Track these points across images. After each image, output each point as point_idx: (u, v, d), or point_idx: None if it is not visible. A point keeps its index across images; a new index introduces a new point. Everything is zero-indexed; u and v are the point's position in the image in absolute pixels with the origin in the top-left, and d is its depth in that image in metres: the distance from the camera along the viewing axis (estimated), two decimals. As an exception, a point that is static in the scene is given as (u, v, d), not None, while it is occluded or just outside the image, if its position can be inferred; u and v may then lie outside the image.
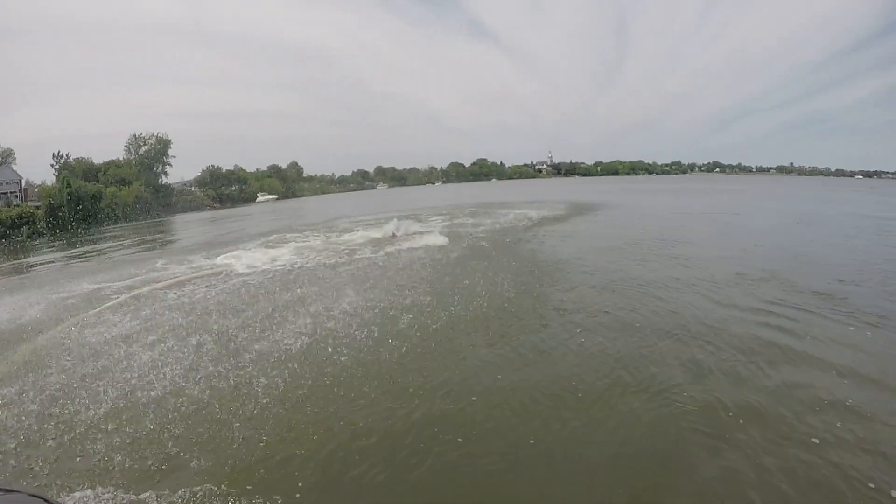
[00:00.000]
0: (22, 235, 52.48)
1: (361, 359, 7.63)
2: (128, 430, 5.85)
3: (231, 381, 7.06)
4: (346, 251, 18.62)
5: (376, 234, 22.99)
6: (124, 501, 4.60)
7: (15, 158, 76.08)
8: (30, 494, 1.18)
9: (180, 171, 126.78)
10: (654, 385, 6.39)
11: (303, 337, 8.61)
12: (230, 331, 9.33)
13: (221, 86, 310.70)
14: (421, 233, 22.21)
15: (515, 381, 6.74)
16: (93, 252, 27.85)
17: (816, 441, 4.97)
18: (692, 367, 6.88)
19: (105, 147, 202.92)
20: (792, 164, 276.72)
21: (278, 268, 15.91)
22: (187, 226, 46.47)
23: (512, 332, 8.58)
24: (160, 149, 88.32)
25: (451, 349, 7.95)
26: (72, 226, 55.81)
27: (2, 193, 64.23)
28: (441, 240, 19.98)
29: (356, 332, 8.70)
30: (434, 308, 9.95)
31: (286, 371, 7.26)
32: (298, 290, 12.08)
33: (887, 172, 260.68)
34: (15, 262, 27.73)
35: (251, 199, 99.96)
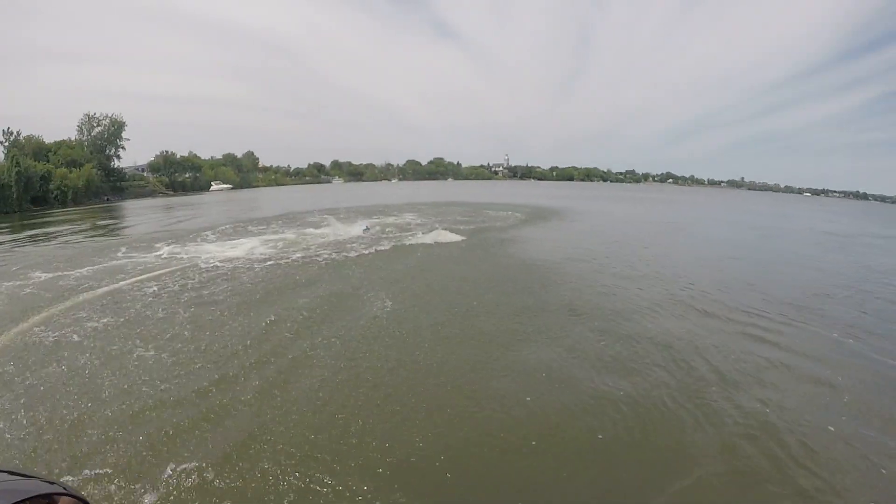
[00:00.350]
0: None
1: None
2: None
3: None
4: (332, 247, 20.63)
5: (348, 229, 24.91)
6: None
7: (-39, 133, 73.73)
8: (46, 481, 1.12)
9: (133, 155, 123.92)
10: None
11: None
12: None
13: (177, 70, 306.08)
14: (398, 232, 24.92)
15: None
16: (44, 236, 27.72)
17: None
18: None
19: (56, 126, 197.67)
20: (743, 178, 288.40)
21: (257, 260, 17.62)
22: (142, 212, 46.32)
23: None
24: (114, 131, 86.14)
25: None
26: (20, 206, 55.07)
27: (-57, 169, 61.43)
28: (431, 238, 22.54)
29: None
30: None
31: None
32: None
33: (833, 191, 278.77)
34: None
35: (205, 187, 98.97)
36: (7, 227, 36.33)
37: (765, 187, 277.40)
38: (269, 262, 17.01)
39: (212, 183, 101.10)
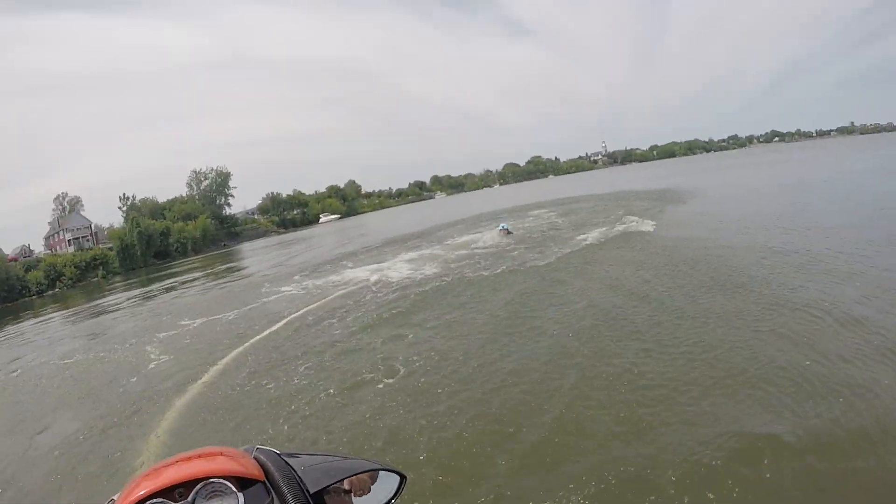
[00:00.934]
0: (97, 276, 53.85)
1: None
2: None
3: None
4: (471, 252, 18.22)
5: (486, 235, 22.16)
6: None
7: (83, 205, 77.88)
8: (367, 461, 1.30)
9: (242, 200, 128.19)
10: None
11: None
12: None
13: (269, 112, 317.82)
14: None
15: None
16: (179, 285, 27.02)
17: None
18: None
19: (167, 185, 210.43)
20: (853, 123, 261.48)
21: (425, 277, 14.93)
22: (261, 252, 44.36)
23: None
24: (221, 181, 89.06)
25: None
26: (145, 262, 56.43)
27: (74, 239, 65.14)
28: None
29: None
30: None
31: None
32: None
33: None
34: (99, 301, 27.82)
35: (314, 220, 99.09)
36: (137, 282, 36.22)
37: (878, 129, 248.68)
38: (445, 277, 13.60)
39: (320, 216, 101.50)
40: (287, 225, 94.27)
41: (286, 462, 1.07)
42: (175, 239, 66.85)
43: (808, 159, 51.71)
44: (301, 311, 12.45)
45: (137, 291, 27.96)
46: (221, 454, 1.01)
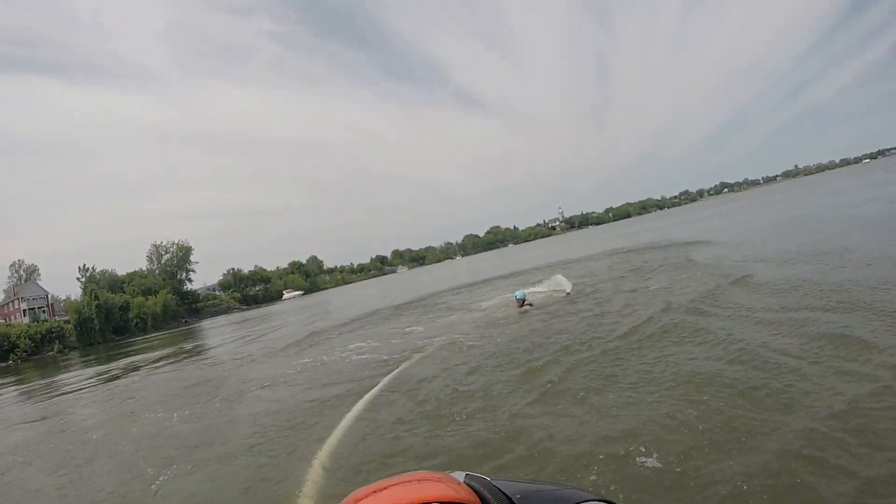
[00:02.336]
0: (53, 350, 51.49)
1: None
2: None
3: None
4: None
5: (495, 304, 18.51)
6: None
7: (40, 274, 75.79)
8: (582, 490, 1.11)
9: (203, 275, 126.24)
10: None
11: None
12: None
13: (231, 187, 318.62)
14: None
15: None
16: (145, 363, 24.78)
17: None
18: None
19: (126, 257, 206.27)
20: (796, 166, 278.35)
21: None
22: (230, 329, 41.50)
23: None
24: (182, 256, 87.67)
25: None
26: (103, 337, 54.33)
27: (30, 309, 62.98)
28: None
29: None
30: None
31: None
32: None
33: (891, 149, 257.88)
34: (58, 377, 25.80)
35: (276, 297, 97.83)
36: (95, 359, 34.65)
37: (820, 168, 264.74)
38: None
39: (283, 292, 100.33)
40: (249, 301, 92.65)
41: (500, 490, 1.03)
42: (135, 314, 65.04)
43: (772, 201, 52.96)
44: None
45: (95, 370, 26.37)
46: (439, 480, 0.97)
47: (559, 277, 18.29)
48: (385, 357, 11.86)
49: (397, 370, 9.98)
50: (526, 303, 16.08)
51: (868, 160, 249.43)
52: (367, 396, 8.35)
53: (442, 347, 11.62)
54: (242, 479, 6.03)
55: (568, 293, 16.51)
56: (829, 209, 26.39)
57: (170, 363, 22.68)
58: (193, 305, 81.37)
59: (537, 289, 18.94)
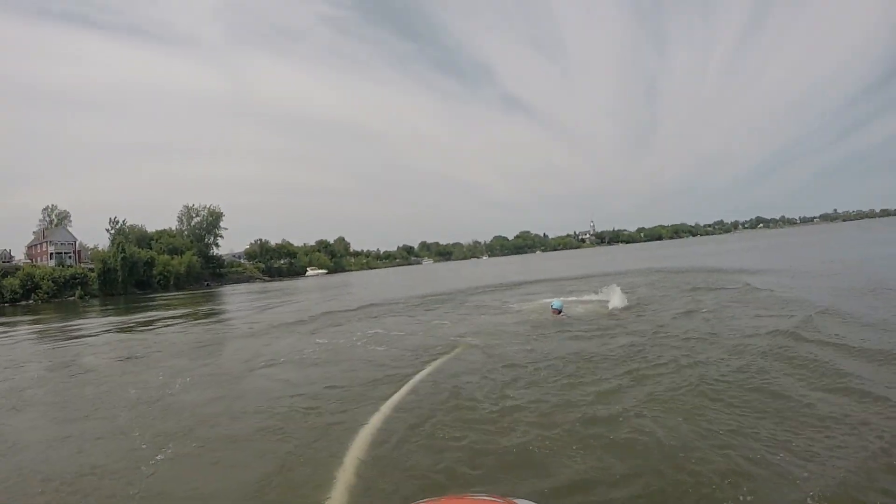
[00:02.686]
0: (74, 295, 52.18)
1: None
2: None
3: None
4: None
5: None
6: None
7: (71, 221, 75.89)
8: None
9: (230, 242, 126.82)
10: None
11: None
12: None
13: (270, 162, 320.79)
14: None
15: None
16: (173, 322, 23.44)
17: None
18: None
19: (157, 217, 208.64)
20: (836, 210, 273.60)
21: None
22: (253, 298, 40.03)
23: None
24: (212, 220, 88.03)
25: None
26: (125, 289, 54.58)
27: (56, 253, 63.38)
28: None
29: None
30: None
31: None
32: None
33: None
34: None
35: (300, 272, 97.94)
36: (113, 309, 34.48)
37: (860, 215, 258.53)
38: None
39: (308, 268, 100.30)
40: (273, 273, 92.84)
41: None
42: (159, 271, 65.25)
43: (816, 242, 51.24)
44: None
45: (112, 319, 25.99)
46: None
47: (615, 288, 16.69)
48: (413, 350, 10.80)
49: (430, 368, 8.89)
50: (562, 313, 15.03)
51: None
52: (402, 391, 7.44)
53: (477, 348, 10.49)
54: (255, 472, 4.95)
55: (616, 308, 14.99)
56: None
57: (185, 323, 21.87)
58: (217, 270, 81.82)
59: (582, 298, 18.09)
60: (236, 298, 39.57)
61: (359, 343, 12.33)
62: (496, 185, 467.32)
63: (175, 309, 30.77)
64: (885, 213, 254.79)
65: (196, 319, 23.24)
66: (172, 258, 69.98)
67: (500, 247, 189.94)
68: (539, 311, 16.38)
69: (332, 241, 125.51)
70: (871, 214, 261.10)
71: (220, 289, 64.39)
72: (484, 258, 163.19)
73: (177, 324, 21.85)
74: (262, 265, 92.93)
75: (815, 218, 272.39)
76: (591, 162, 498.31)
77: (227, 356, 12.63)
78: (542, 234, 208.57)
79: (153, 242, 74.48)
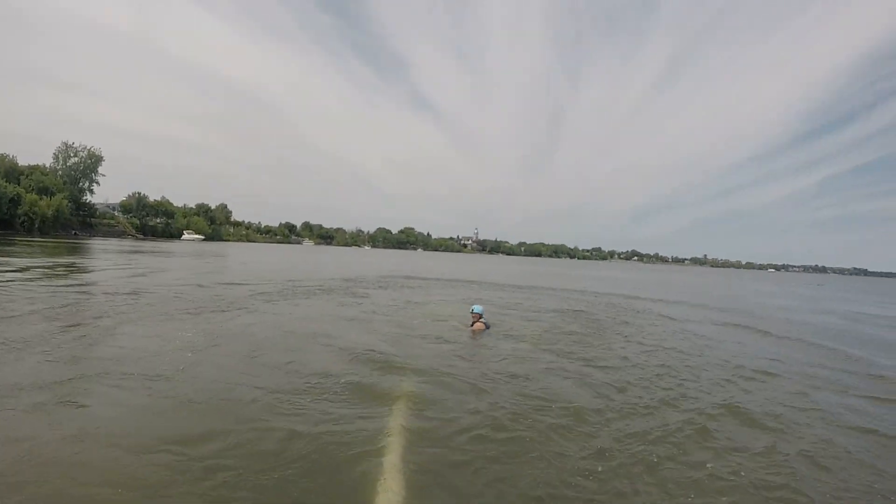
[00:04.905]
0: None
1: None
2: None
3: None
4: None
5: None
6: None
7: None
8: None
9: (105, 192, 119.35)
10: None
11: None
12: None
13: (155, 110, 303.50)
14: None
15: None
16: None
17: None
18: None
19: (31, 151, 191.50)
20: (706, 255, 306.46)
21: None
22: (125, 257, 36.17)
23: None
24: (91, 164, 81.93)
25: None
26: None
27: None
28: None
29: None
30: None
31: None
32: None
33: (794, 266, 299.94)
34: None
35: (176, 235, 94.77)
36: None
37: (727, 264, 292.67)
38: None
39: (184, 231, 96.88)
40: (147, 232, 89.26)
41: None
42: (24, 210, 61.21)
43: (692, 282, 58.16)
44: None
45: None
46: None
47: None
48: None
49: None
50: (482, 320, 13.84)
51: (773, 269, 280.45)
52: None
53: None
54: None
55: (486, 326, 13.89)
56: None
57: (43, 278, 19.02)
58: (88, 219, 77.32)
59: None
60: (103, 257, 35.72)
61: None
62: (389, 178, 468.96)
63: (36, 258, 29.30)
64: (750, 266, 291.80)
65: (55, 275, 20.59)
66: (41, 199, 65.56)
67: (383, 239, 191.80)
68: (448, 316, 15.76)
69: (213, 207, 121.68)
70: (736, 265, 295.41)
71: (89, 241, 60.67)
72: (366, 248, 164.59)
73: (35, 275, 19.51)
74: (136, 221, 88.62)
75: (686, 259, 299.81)
76: (485, 173, 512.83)
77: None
78: (425, 233, 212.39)
79: (23, 178, 69.00)
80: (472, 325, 13.68)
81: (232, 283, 21.20)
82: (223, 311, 14.10)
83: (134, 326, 11.02)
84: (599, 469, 5.35)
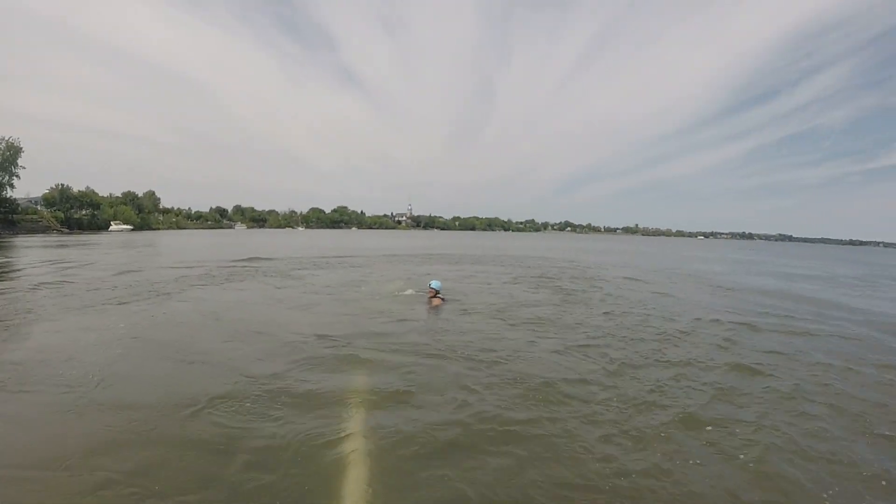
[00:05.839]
0: None
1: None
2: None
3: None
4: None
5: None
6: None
7: None
8: None
9: (26, 186, 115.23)
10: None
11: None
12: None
13: (74, 95, 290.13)
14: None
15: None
16: None
17: None
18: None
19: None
20: (637, 224, 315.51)
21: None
22: (49, 252, 34.08)
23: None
24: (9, 156, 78.70)
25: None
26: None
27: None
28: None
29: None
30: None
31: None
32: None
33: (722, 233, 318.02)
34: None
35: (103, 227, 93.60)
36: None
37: (657, 232, 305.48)
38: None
39: (112, 223, 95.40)
40: (72, 225, 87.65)
41: None
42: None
43: (628, 250, 63.68)
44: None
45: None
46: None
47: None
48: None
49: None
50: (439, 295, 14.15)
51: (702, 237, 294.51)
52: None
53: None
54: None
55: (443, 299, 14.26)
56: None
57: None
58: (10, 216, 75.52)
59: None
60: (25, 254, 33.36)
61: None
62: (319, 156, 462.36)
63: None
64: (680, 234, 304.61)
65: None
66: (-45, 197, 63.06)
67: (317, 219, 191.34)
68: (397, 293, 15.83)
69: (140, 195, 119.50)
70: (667, 233, 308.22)
71: (13, 239, 58.70)
72: (300, 229, 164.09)
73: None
74: (60, 214, 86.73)
75: (618, 229, 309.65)
76: (416, 148, 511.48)
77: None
78: (359, 211, 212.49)
79: (-66, 177, 66.07)
80: (429, 301, 13.83)
81: (161, 271, 21.31)
82: (150, 300, 13.91)
83: (51, 323, 10.96)
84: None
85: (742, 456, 5.62)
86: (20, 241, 56.55)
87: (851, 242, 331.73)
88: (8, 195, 78.89)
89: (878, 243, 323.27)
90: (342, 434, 5.70)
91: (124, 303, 13.39)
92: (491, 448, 5.59)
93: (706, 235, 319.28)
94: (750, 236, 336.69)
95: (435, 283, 14.45)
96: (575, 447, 5.68)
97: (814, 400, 7.50)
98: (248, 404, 6.48)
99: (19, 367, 7.76)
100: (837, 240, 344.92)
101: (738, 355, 9.86)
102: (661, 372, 8.51)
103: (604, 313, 13.83)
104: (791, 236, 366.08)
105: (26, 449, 5.28)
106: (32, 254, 33.01)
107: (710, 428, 6.35)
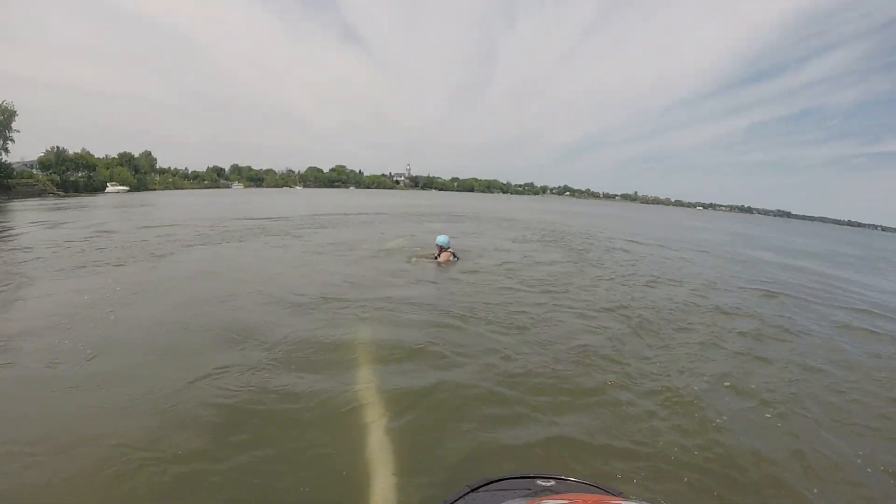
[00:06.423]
0: None
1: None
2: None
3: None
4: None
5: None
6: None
7: None
8: (583, 482, 1.07)
9: (20, 149, 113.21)
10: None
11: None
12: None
13: (70, 55, 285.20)
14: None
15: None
16: None
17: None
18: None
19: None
20: (636, 192, 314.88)
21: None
22: (49, 214, 32.34)
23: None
24: (3, 120, 76.25)
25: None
26: None
27: None
28: None
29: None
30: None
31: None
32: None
33: (721, 205, 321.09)
34: None
35: (100, 188, 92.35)
36: None
37: (657, 201, 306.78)
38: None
39: (108, 184, 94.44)
40: (68, 188, 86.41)
41: None
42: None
43: (632, 218, 62.97)
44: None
45: None
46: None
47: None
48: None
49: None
50: (448, 249, 13.45)
51: (701, 207, 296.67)
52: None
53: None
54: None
55: (455, 256, 13.84)
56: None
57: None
58: (6, 181, 74.29)
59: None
60: (21, 217, 31.83)
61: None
62: (318, 115, 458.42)
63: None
64: (678, 204, 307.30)
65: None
66: (-51, 163, 61.83)
67: (315, 178, 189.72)
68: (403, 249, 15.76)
69: (136, 155, 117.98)
70: (666, 202, 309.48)
71: (9, 204, 57.53)
72: (298, 188, 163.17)
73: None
74: (56, 177, 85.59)
75: (616, 196, 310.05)
76: (416, 108, 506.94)
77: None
78: (357, 171, 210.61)
79: (-74, 143, 64.51)
80: (437, 257, 13.36)
81: (156, 230, 20.86)
82: (147, 261, 13.41)
83: (45, 284, 10.60)
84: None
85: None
86: (15, 205, 55.67)
87: (850, 223, 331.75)
88: (3, 160, 77.15)
89: (877, 227, 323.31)
90: (361, 393, 5.53)
91: (120, 264, 12.86)
92: (520, 409, 5.41)
93: (705, 206, 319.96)
94: (749, 210, 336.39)
95: (441, 239, 13.78)
96: (612, 410, 5.56)
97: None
98: (257, 368, 6.17)
99: (6, 336, 7.32)
100: (836, 220, 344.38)
101: (761, 321, 10.22)
102: (687, 336, 8.61)
103: (618, 276, 14.04)
104: (790, 213, 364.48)
105: (17, 423, 4.98)
106: (26, 216, 32.00)
107: (753, 389, 6.60)
